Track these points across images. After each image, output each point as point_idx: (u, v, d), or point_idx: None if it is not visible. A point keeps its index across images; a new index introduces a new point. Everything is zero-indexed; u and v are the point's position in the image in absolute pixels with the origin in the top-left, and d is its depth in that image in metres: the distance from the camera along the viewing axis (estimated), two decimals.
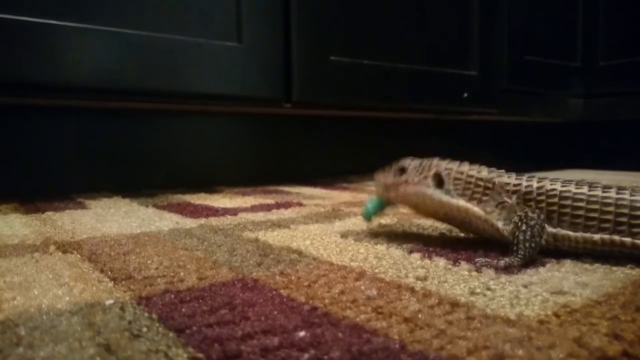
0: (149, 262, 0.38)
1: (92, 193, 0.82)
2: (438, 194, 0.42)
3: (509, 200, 0.40)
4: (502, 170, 0.43)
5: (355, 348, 0.23)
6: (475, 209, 0.41)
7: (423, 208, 0.45)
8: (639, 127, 1.32)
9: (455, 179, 0.42)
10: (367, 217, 0.49)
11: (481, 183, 0.42)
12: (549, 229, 0.39)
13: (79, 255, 0.41)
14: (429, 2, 1.07)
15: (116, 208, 0.67)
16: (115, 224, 0.55)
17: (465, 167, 0.43)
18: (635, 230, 0.37)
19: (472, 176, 0.42)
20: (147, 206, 0.69)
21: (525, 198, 0.40)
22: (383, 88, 1.01)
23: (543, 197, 0.39)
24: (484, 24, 1.15)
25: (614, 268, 0.36)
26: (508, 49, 1.22)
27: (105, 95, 0.76)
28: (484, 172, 0.42)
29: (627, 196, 0.37)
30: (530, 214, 0.38)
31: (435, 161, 0.44)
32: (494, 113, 1.20)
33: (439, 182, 0.43)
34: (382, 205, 0.49)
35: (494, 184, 0.41)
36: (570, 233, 0.38)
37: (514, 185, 0.41)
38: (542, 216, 0.38)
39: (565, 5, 1.37)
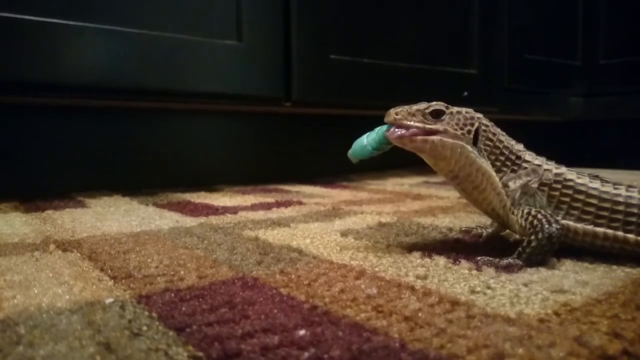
0: (149, 260, 0.38)
1: (92, 192, 0.82)
2: (475, 153, 0.38)
3: (527, 180, 0.39)
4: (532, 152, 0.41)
5: (356, 347, 0.23)
6: (496, 178, 0.39)
7: (447, 163, 0.39)
8: (639, 125, 1.32)
9: (487, 139, 0.40)
10: (361, 154, 0.40)
11: (506, 152, 0.40)
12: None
13: (78, 254, 0.41)
14: (429, 0, 1.07)
15: (116, 207, 0.67)
16: (115, 223, 0.55)
17: (498, 130, 0.41)
18: None
19: (502, 142, 0.40)
20: (147, 205, 0.69)
21: (542, 182, 0.39)
22: (383, 87, 1.01)
23: (559, 186, 0.38)
24: (484, 23, 1.15)
25: (614, 267, 0.36)
26: (508, 48, 1.22)
27: (105, 94, 0.76)
28: (512, 142, 0.41)
29: (636, 194, 0.37)
30: (554, 224, 0.36)
31: (474, 113, 0.40)
32: (494, 112, 1.19)
33: (475, 137, 0.39)
34: (382, 147, 0.39)
35: (517, 157, 0.40)
36: (571, 224, 0.37)
37: (536, 164, 0.39)
38: (562, 223, 0.37)
39: (566, 4, 1.37)
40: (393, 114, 0.38)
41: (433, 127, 0.38)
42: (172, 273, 0.35)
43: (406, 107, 0.39)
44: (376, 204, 0.70)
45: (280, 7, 0.86)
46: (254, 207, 0.67)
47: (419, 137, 0.38)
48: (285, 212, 0.63)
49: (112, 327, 0.25)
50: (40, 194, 0.78)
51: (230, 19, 0.82)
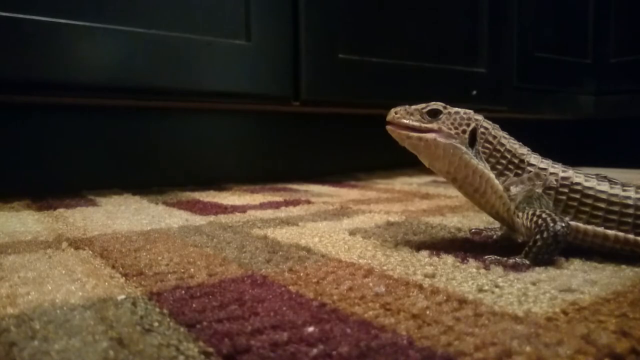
0: (159, 258, 0.39)
1: (103, 190, 0.83)
2: (470, 155, 0.39)
3: (529, 184, 0.38)
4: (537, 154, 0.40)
5: (364, 343, 0.23)
6: (496, 181, 0.39)
7: (443, 164, 0.40)
8: None
9: (487, 141, 0.39)
10: None
11: (508, 155, 0.39)
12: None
13: (90, 252, 0.41)
14: None
15: (126, 205, 0.68)
16: (125, 221, 0.56)
17: (499, 133, 0.40)
18: None
19: (503, 145, 0.40)
20: (157, 203, 0.70)
21: (548, 186, 0.38)
22: (391, 86, 1.01)
23: (566, 190, 0.38)
24: (493, 21, 1.14)
25: (623, 266, 0.36)
26: (517, 46, 1.21)
27: (115, 93, 0.77)
28: (516, 145, 0.40)
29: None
30: (559, 222, 0.35)
31: (472, 114, 0.40)
32: (503, 110, 1.19)
33: (472, 139, 0.39)
34: None
35: (521, 160, 0.39)
36: (580, 225, 0.37)
37: (540, 168, 0.39)
38: (569, 225, 0.36)
39: (576, 2, 1.36)
40: (393, 112, 0.41)
41: (428, 125, 0.39)
42: (182, 271, 0.35)
43: (406, 106, 0.41)
44: (384, 203, 0.70)
45: (289, 6, 0.87)
46: (262, 206, 0.67)
47: (415, 134, 0.40)
48: (294, 211, 0.63)
49: (124, 323, 0.26)
50: (51, 193, 0.79)
51: (239, 19, 0.82)
